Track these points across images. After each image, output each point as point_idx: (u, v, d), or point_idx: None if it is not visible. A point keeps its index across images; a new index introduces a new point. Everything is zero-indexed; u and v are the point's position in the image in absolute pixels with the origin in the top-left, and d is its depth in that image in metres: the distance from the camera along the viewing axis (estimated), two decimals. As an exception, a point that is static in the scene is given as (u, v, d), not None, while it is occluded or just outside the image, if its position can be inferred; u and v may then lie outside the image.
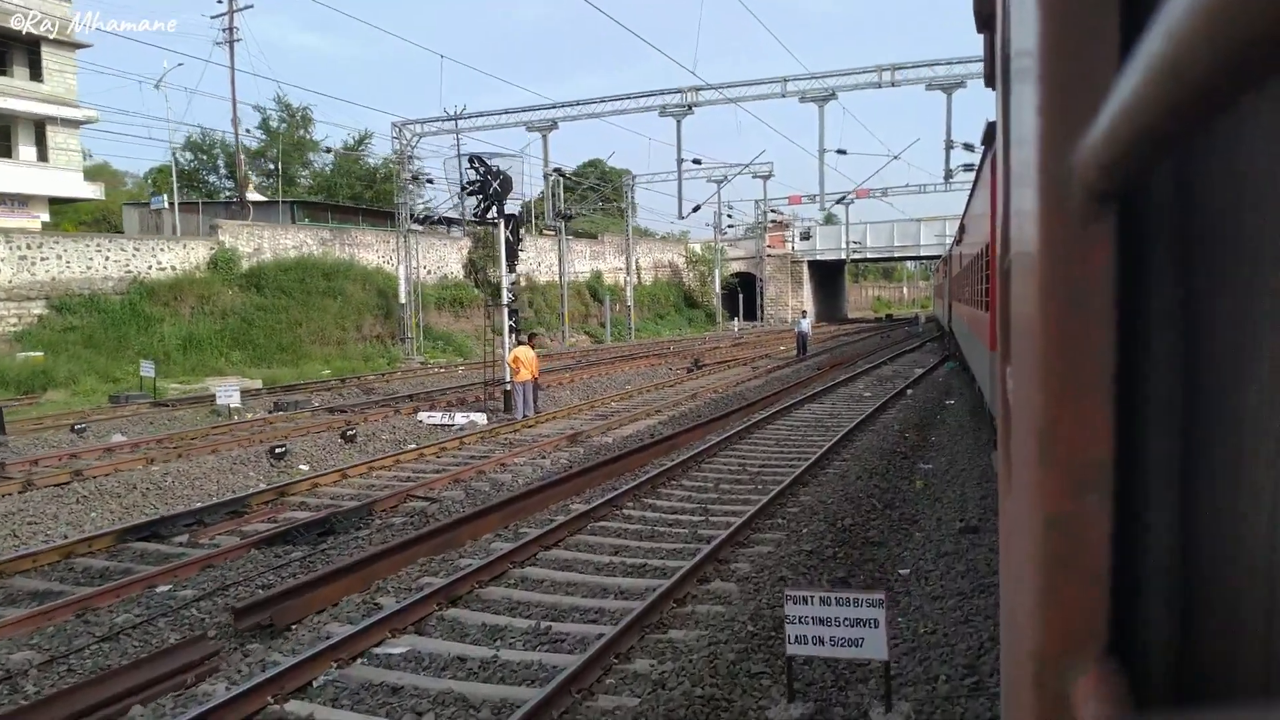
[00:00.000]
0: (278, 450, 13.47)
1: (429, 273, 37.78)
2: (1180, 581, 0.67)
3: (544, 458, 13.49)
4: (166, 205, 38.43)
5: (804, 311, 31.16)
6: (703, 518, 9.60)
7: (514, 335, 18.51)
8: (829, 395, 20.25)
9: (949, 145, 28.07)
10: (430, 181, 32.52)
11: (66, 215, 39.02)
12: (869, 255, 64.38)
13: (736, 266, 64.56)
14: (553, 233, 61.92)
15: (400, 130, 31.36)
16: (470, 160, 18.45)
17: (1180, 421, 0.67)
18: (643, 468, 12.28)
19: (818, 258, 63.84)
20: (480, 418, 16.95)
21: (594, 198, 59.14)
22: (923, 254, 63.01)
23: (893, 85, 27.74)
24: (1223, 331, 0.63)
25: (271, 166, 57.64)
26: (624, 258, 56.28)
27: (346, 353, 29.59)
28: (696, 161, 32.48)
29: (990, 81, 1.83)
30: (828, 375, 25.07)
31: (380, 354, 30.94)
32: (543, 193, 36.57)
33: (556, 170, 31.84)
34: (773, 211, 55.98)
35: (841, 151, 30.65)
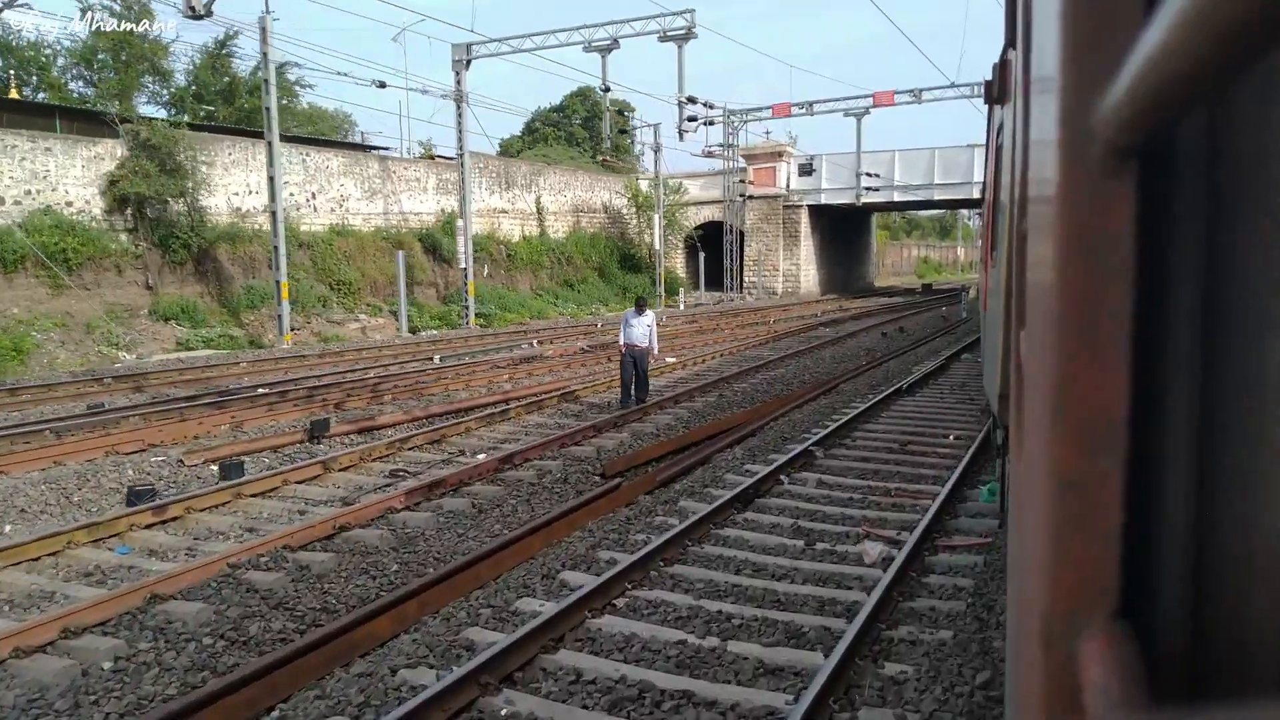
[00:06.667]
0: None
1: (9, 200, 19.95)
2: (1197, 546, 0.64)
3: None
4: None
5: (639, 299, 12.52)
6: None
7: None
8: None
9: None
10: None
11: None
12: (896, 198, 44.06)
13: (706, 214, 45.44)
14: (428, 158, 43.64)
15: None
16: None
17: (1199, 381, 0.64)
18: None
19: (822, 200, 44.23)
20: None
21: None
22: (977, 195, 42.65)
23: None
24: (1247, 288, 0.60)
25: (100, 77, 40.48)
26: (524, 193, 37.80)
27: None
28: None
29: (1012, 42, 1.83)
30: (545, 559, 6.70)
31: None
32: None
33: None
34: (714, 112, 36.22)
35: None
